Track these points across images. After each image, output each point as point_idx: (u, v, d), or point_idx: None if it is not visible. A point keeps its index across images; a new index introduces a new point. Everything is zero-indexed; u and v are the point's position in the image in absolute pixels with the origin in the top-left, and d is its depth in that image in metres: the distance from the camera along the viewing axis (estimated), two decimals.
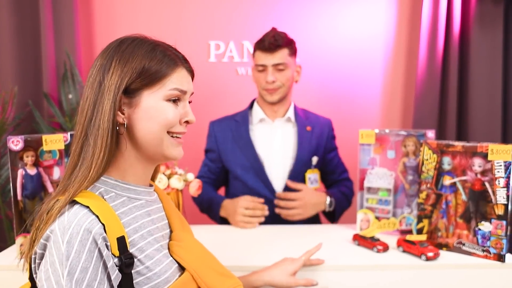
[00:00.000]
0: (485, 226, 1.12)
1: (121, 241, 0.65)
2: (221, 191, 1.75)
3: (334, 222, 1.62)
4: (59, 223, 0.62)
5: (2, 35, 2.00)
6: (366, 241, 1.22)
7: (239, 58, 2.19)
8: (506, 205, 1.09)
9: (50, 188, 1.18)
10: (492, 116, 2.02)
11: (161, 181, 1.32)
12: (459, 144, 1.17)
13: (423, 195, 1.24)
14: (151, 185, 0.81)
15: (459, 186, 1.18)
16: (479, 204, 1.14)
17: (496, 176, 1.10)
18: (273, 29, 1.56)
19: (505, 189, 1.09)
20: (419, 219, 1.25)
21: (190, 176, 1.40)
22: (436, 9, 2.00)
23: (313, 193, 1.53)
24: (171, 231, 0.80)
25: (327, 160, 1.67)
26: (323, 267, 1.09)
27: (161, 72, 0.71)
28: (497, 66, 2.00)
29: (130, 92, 0.70)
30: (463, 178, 1.17)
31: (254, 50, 1.57)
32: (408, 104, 2.21)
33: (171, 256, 0.75)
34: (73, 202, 0.65)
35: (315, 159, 1.61)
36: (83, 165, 0.68)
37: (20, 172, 1.13)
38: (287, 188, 1.56)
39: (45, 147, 1.17)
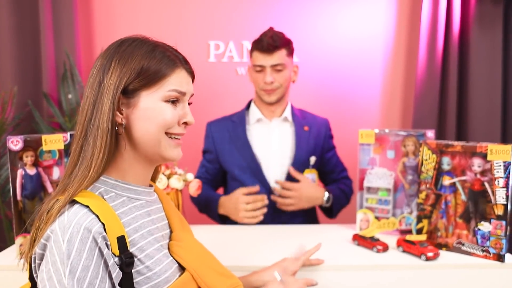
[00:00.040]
0: (485, 226, 1.13)
1: (121, 240, 0.65)
2: (220, 192, 1.75)
3: (332, 217, 1.64)
4: (59, 222, 0.62)
5: (1, 35, 2.00)
6: (365, 241, 1.22)
7: (239, 58, 2.19)
8: (505, 205, 1.09)
9: (49, 188, 1.18)
10: (491, 116, 2.02)
11: (160, 181, 1.32)
12: (458, 144, 1.17)
13: (422, 195, 1.24)
14: (151, 186, 0.81)
15: (458, 186, 1.18)
16: (478, 204, 1.14)
17: (495, 176, 1.10)
18: (271, 29, 1.55)
19: (505, 189, 1.09)
20: (419, 219, 1.25)
21: (190, 176, 1.41)
22: (436, 9, 2.00)
23: (311, 187, 1.54)
24: (171, 231, 0.81)
25: (326, 160, 1.68)
26: (323, 267, 1.09)
27: (160, 72, 0.71)
28: (497, 66, 2.00)
29: (128, 92, 0.70)
30: (463, 178, 1.17)
31: (252, 50, 1.56)
32: (408, 104, 2.22)
33: (171, 256, 0.75)
34: (73, 202, 0.65)
35: (313, 159, 1.61)
36: (83, 165, 0.68)
37: (20, 172, 1.13)
38: (289, 177, 1.56)
39: (44, 147, 1.17)
